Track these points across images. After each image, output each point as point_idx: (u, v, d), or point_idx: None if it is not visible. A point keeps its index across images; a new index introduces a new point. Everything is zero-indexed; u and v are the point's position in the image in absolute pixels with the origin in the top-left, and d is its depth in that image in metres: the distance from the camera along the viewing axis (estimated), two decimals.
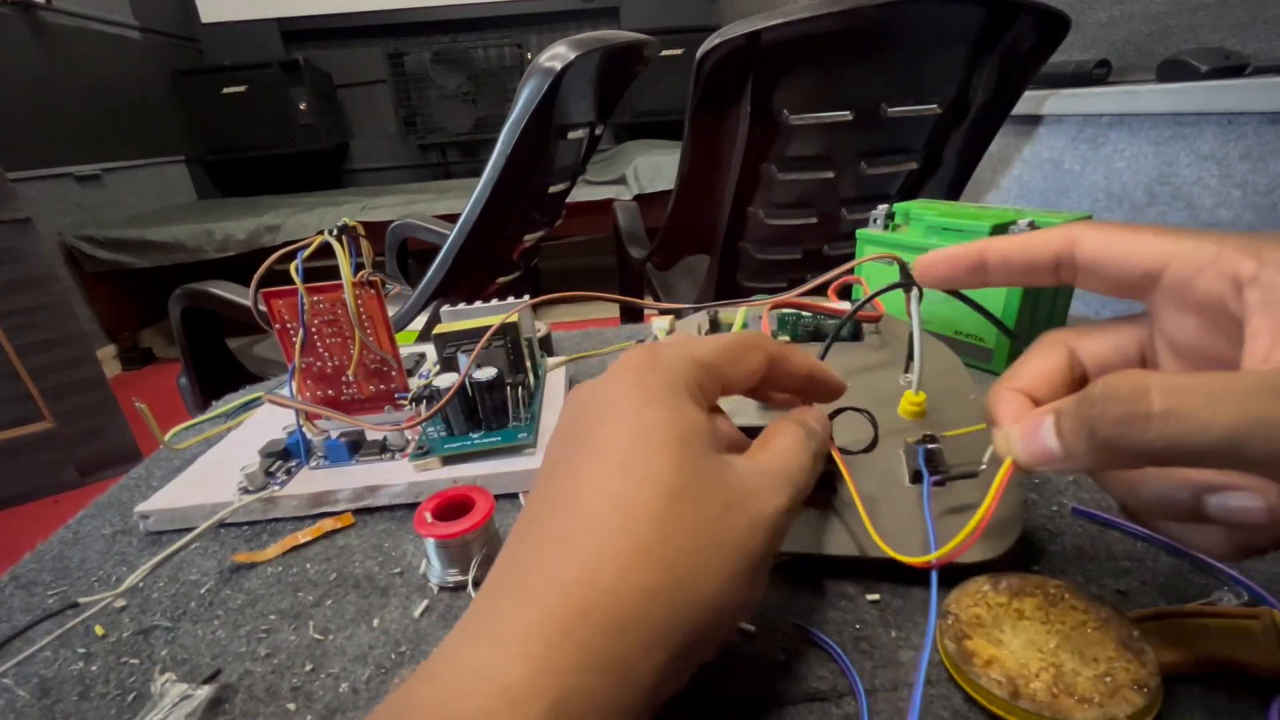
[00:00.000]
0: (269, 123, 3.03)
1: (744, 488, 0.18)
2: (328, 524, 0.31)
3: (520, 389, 0.37)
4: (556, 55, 0.80)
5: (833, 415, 0.26)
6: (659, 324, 0.43)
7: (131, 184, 2.72)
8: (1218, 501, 0.16)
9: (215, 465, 0.36)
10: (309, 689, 0.22)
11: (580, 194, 2.35)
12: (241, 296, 0.95)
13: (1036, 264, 0.21)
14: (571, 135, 0.99)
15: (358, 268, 0.36)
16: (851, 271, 0.35)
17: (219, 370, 1.07)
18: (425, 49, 3.18)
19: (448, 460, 0.33)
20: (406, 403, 0.38)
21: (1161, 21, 1.00)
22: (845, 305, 0.35)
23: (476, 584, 0.26)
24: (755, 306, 0.38)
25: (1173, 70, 0.91)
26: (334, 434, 0.36)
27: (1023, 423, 0.18)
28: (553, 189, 1.08)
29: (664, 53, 2.72)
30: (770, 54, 0.70)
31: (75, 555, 0.31)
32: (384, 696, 0.21)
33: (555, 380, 0.42)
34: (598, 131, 1.12)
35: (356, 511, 0.33)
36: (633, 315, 1.17)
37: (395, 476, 0.33)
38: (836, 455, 0.25)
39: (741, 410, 0.27)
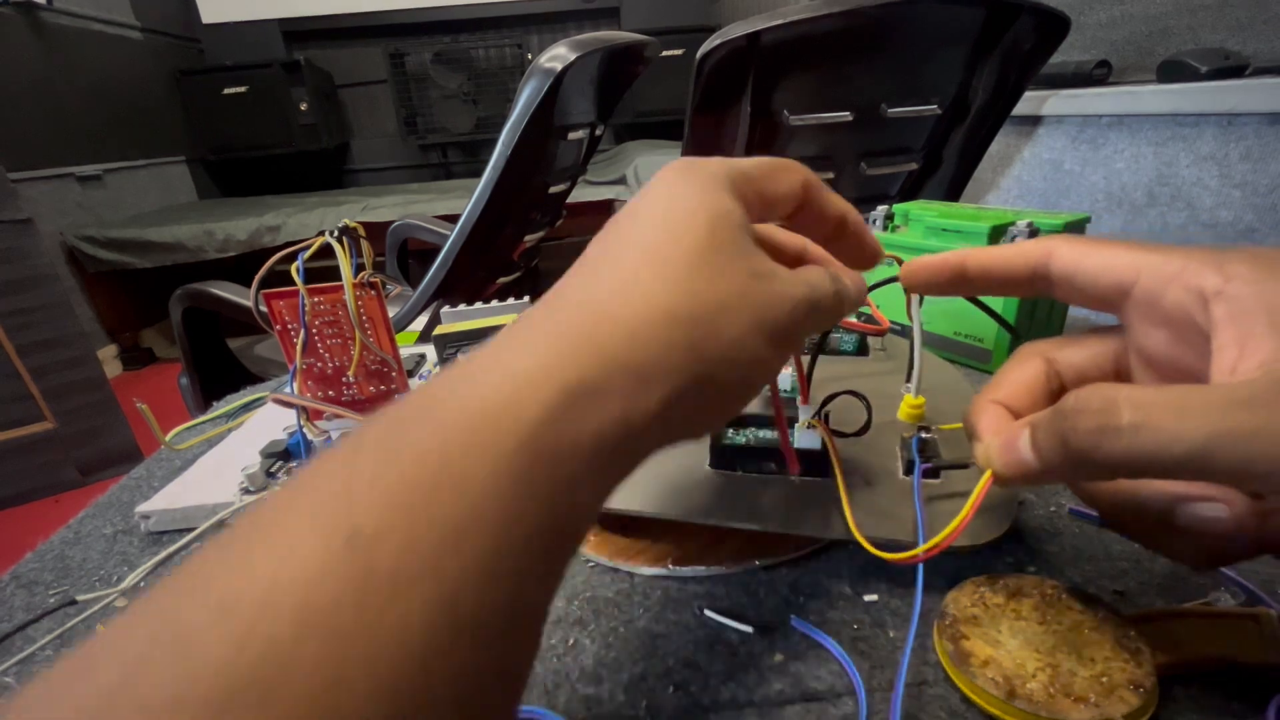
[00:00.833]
0: (270, 123, 3.03)
1: (771, 269, 0.18)
2: None
3: None
4: (557, 56, 0.80)
5: (829, 399, 0.26)
6: None
7: (132, 184, 2.73)
8: (1187, 511, 0.16)
9: (216, 465, 0.36)
10: None
11: (581, 194, 2.35)
12: (242, 297, 0.95)
13: (1013, 275, 0.21)
14: (572, 135, 0.99)
15: (358, 268, 0.36)
16: None
17: (220, 371, 1.07)
18: (426, 49, 3.18)
19: None
20: None
21: (1161, 22, 1.00)
22: (850, 319, 0.35)
23: None
24: None
25: (1173, 71, 0.91)
26: (335, 434, 0.36)
27: (1001, 436, 0.18)
28: (553, 189, 1.08)
29: (664, 53, 2.71)
30: (770, 54, 0.70)
31: (76, 555, 0.31)
32: None
33: None
34: (598, 132, 1.12)
35: None
36: None
37: None
38: (828, 437, 0.25)
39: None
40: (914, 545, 0.21)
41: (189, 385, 1.05)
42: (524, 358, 0.14)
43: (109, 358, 2.41)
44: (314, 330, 0.36)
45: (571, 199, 1.36)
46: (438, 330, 0.36)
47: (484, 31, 3.32)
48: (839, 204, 0.22)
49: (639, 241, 0.17)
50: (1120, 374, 0.21)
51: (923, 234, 0.46)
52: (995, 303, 0.42)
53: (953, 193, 0.92)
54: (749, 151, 0.79)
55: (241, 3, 3.17)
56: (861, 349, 0.39)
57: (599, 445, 0.14)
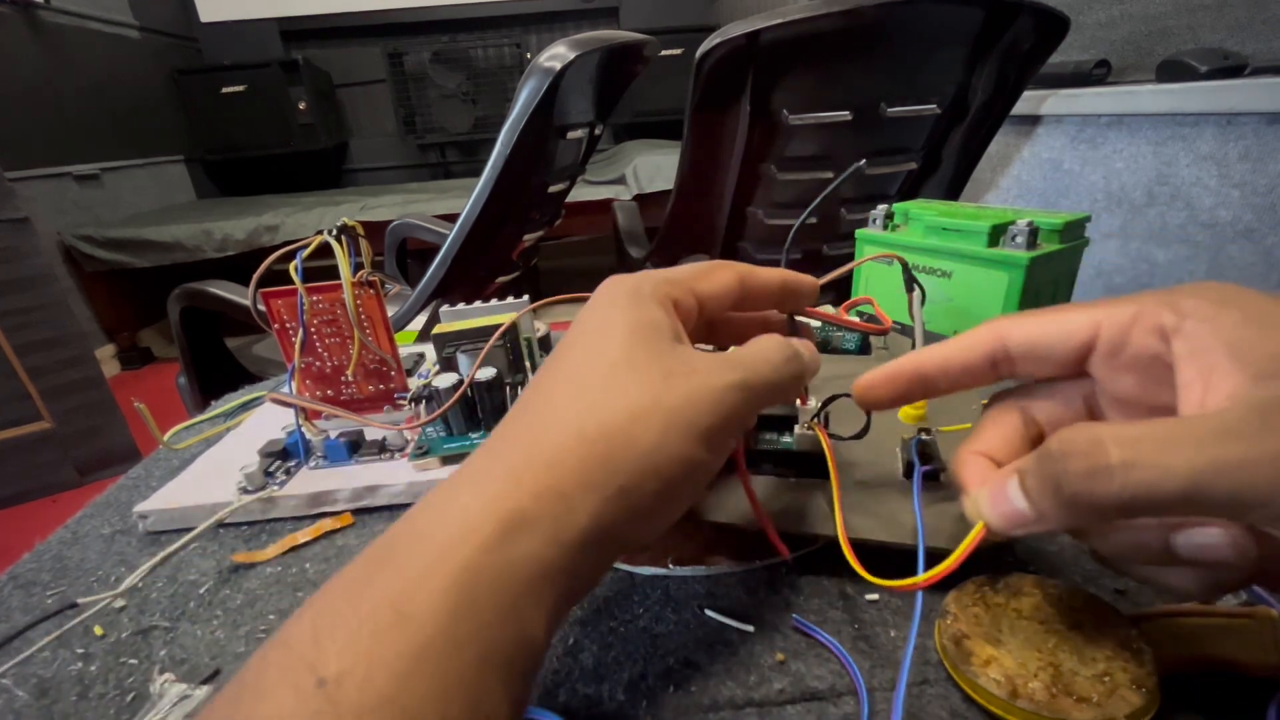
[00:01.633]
0: (268, 122, 3.03)
1: (690, 364, 0.19)
2: (327, 524, 0.31)
3: (519, 389, 0.37)
4: (556, 55, 0.80)
5: (828, 401, 0.26)
6: None
7: (130, 183, 2.72)
8: (1185, 540, 0.16)
9: (214, 465, 0.36)
10: None
11: (580, 194, 2.35)
12: (241, 296, 0.95)
13: (971, 365, 0.21)
14: (571, 135, 0.98)
15: (357, 267, 0.36)
16: (851, 273, 0.36)
17: (218, 370, 1.07)
18: (425, 49, 3.18)
19: (447, 460, 0.33)
20: (406, 403, 0.38)
21: (1160, 22, 1.00)
22: (853, 318, 0.35)
23: None
24: None
25: (1172, 71, 0.91)
26: (333, 434, 0.36)
27: (988, 486, 0.18)
28: (552, 188, 1.08)
29: (663, 52, 2.71)
30: (769, 54, 0.70)
31: (74, 555, 0.31)
32: None
33: None
34: (597, 131, 1.12)
35: (356, 511, 0.33)
36: None
37: (394, 476, 0.33)
38: (825, 441, 0.25)
39: None
40: (914, 547, 0.21)
41: (187, 385, 1.05)
42: (470, 496, 0.16)
43: (107, 357, 2.40)
44: (312, 329, 0.36)
45: (570, 198, 1.36)
46: (437, 329, 0.36)
47: (483, 31, 3.32)
48: (773, 273, 0.24)
49: (563, 370, 0.19)
50: (1094, 416, 0.21)
51: (922, 233, 0.46)
52: (995, 308, 0.42)
53: (952, 192, 0.92)
54: (748, 151, 0.79)
55: (240, 2, 3.16)
56: (864, 348, 0.39)
57: (536, 568, 0.16)
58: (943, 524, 0.24)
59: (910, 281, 0.34)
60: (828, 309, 0.36)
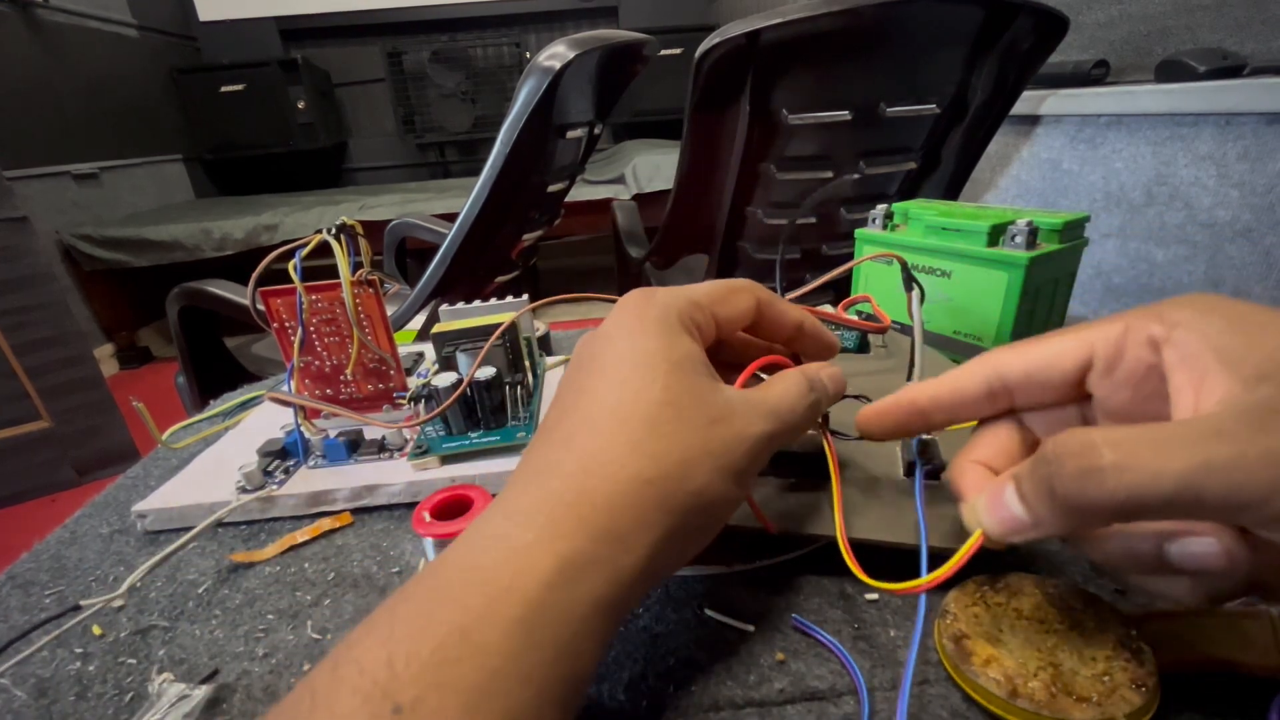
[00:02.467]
0: (267, 121, 3.02)
1: (731, 409, 0.20)
2: (326, 523, 0.31)
3: (519, 388, 0.37)
4: (555, 54, 0.80)
5: None
6: None
7: (129, 182, 2.72)
8: (1178, 550, 0.16)
9: (213, 464, 0.36)
10: None
11: (579, 193, 2.35)
12: (239, 295, 0.95)
13: (968, 396, 0.21)
14: (570, 134, 0.98)
15: (356, 266, 0.36)
16: (851, 272, 0.36)
17: (217, 369, 1.06)
18: (424, 48, 3.17)
19: (446, 460, 0.33)
20: (405, 402, 0.38)
21: (1159, 22, 1.00)
22: (852, 317, 0.35)
23: None
24: None
25: (1171, 71, 0.91)
26: (332, 433, 0.36)
27: (986, 493, 0.18)
28: (551, 188, 1.08)
29: (663, 52, 2.72)
30: (769, 53, 0.70)
31: (73, 555, 0.31)
32: None
33: (554, 380, 0.42)
34: (596, 131, 1.12)
35: (355, 511, 0.33)
36: None
37: (394, 476, 0.33)
38: (827, 441, 0.25)
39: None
40: (915, 546, 0.21)
41: (186, 384, 1.05)
42: (529, 533, 0.17)
43: (105, 356, 2.40)
44: (312, 328, 0.36)
45: (570, 198, 1.36)
46: (436, 328, 0.36)
47: (482, 30, 3.31)
48: (793, 312, 0.24)
49: (604, 400, 0.19)
50: (1086, 423, 0.21)
51: (922, 233, 0.46)
52: (994, 308, 0.42)
53: (951, 192, 0.92)
54: (748, 150, 0.79)
55: (239, 1, 3.16)
56: (862, 346, 0.39)
57: (595, 605, 0.16)
58: (944, 524, 0.24)
59: (909, 280, 0.34)
60: (826, 308, 0.36)
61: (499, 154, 0.85)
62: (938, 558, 0.19)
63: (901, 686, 0.18)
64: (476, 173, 0.89)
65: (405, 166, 3.54)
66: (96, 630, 0.26)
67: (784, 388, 0.22)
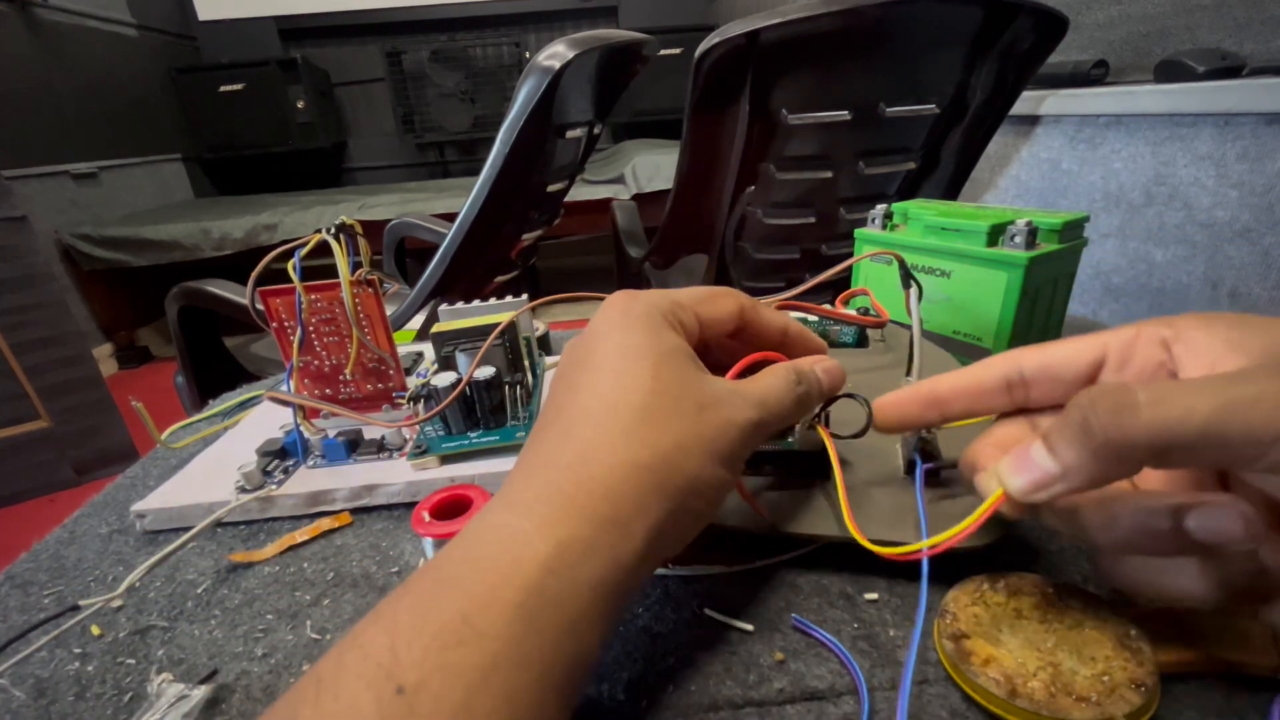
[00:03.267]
0: (266, 121, 3.02)
1: (718, 397, 0.21)
2: (325, 523, 0.31)
3: (518, 388, 0.37)
4: (555, 54, 0.80)
5: (829, 401, 0.26)
6: None
7: (128, 182, 2.71)
8: (1197, 518, 0.16)
9: (212, 464, 0.36)
10: None
11: (579, 193, 2.35)
12: (239, 295, 0.95)
13: (988, 387, 0.22)
14: (570, 134, 0.98)
15: (355, 266, 0.36)
16: (849, 270, 0.36)
17: (216, 369, 1.06)
18: (423, 47, 3.17)
19: (446, 459, 0.33)
20: (404, 401, 0.38)
21: (1159, 22, 1.00)
22: (850, 313, 0.35)
23: None
24: None
25: (1170, 71, 0.91)
26: (331, 433, 0.36)
27: (1010, 455, 0.19)
28: (551, 188, 1.08)
29: (662, 52, 2.72)
30: (769, 53, 0.70)
31: (71, 555, 0.31)
32: None
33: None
34: (596, 130, 1.12)
35: (354, 511, 0.33)
36: None
37: (393, 476, 0.33)
38: (827, 439, 0.25)
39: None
40: (919, 538, 0.21)
41: (185, 384, 1.05)
42: (528, 522, 0.17)
43: (105, 356, 2.40)
44: (311, 328, 0.36)
45: (569, 198, 1.36)
46: (435, 328, 0.36)
47: (481, 30, 3.31)
48: (777, 318, 0.25)
49: (598, 392, 0.20)
50: None
51: (921, 233, 0.46)
52: (994, 307, 0.42)
53: (951, 192, 0.92)
54: (747, 150, 0.79)
55: (238, 0, 3.15)
56: (861, 341, 0.39)
57: (595, 590, 0.17)
58: (946, 521, 0.24)
59: (907, 277, 0.34)
60: (824, 306, 0.36)
61: (498, 154, 0.85)
62: (940, 556, 0.19)
63: (901, 686, 0.18)
64: (476, 172, 0.89)
65: (405, 166, 3.53)
66: (95, 630, 0.26)
67: (771, 379, 0.23)
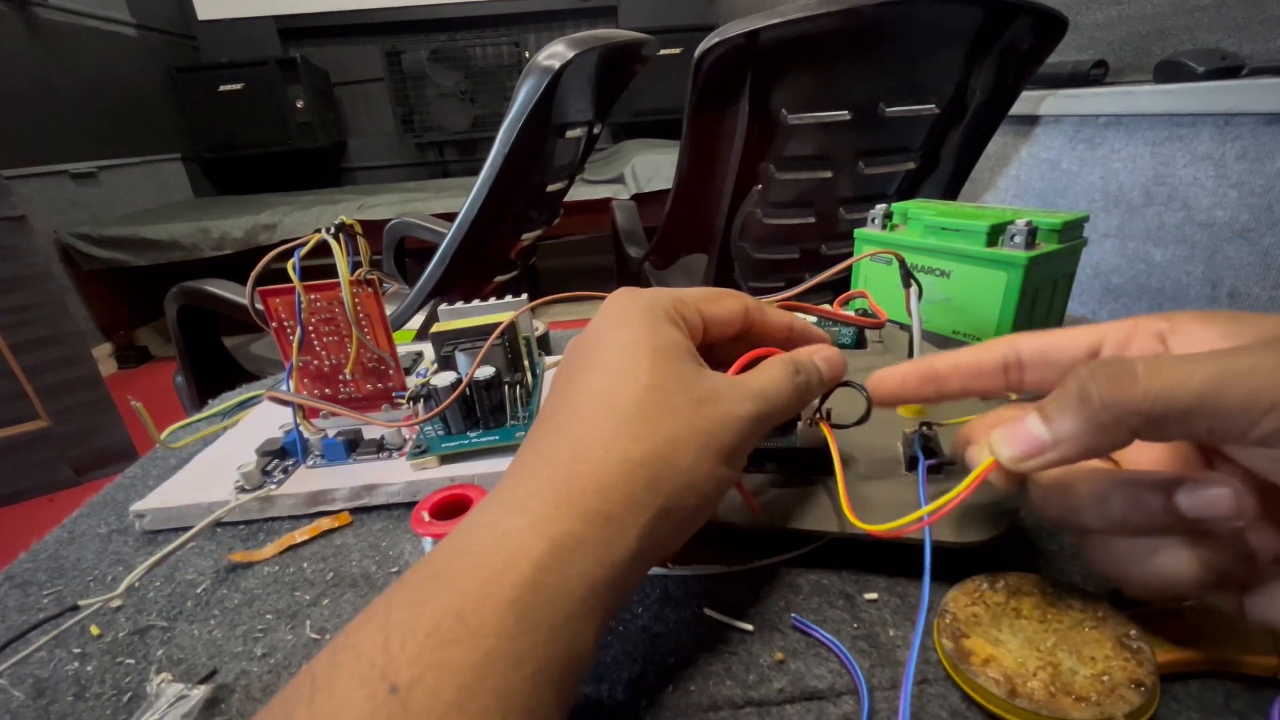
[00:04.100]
0: (266, 121, 3.02)
1: (716, 391, 0.20)
2: (325, 523, 0.31)
3: (518, 388, 0.37)
4: (555, 54, 0.80)
5: (826, 394, 0.26)
6: None
7: (127, 182, 2.71)
8: (1187, 494, 0.17)
9: (212, 464, 0.36)
10: None
11: (578, 193, 2.35)
12: (238, 295, 0.95)
13: (985, 367, 0.22)
14: (570, 134, 0.98)
15: (355, 266, 0.36)
16: (849, 270, 0.36)
17: (215, 369, 1.06)
18: (423, 47, 3.17)
19: (445, 459, 0.33)
20: (404, 401, 0.38)
21: (1158, 22, 1.00)
22: (849, 313, 0.35)
23: None
24: None
25: (1169, 71, 0.91)
26: (331, 433, 0.36)
27: (1002, 427, 0.19)
28: (551, 188, 1.08)
29: (662, 52, 2.72)
30: (768, 53, 0.70)
31: (71, 554, 0.31)
32: None
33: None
34: (596, 130, 1.12)
35: (354, 510, 0.33)
36: None
37: (392, 475, 0.33)
38: (826, 430, 0.25)
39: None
40: (918, 544, 0.21)
41: (184, 383, 1.05)
42: (521, 519, 0.17)
43: (104, 356, 2.39)
44: (310, 328, 0.36)
45: (569, 197, 1.36)
46: (435, 328, 0.36)
47: (481, 29, 3.31)
48: (782, 317, 0.25)
49: (592, 390, 0.20)
50: None
51: (921, 233, 0.46)
52: (993, 307, 0.42)
53: (950, 192, 0.92)
54: (747, 150, 0.79)
55: (237, 0, 3.15)
56: (859, 342, 0.39)
57: (589, 585, 0.17)
58: (947, 517, 0.24)
59: (906, 276, 0.34)
60: (823, 307, 0.36)
61: (498, 153, 0.85)
62: (943, 552, 0.19)
63: (903, 686, 0.18)
64: (475, 172, 0.89)
65: (404, 166, 3.53)
66: (95, 630, 0.26)
67: (770, 371, 0.22)
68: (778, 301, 0.36)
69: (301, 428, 0.35)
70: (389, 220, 1.37)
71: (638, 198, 2.30)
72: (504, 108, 0.83)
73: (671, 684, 0.21)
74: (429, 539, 0.25)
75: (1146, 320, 0.20)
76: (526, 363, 0.38)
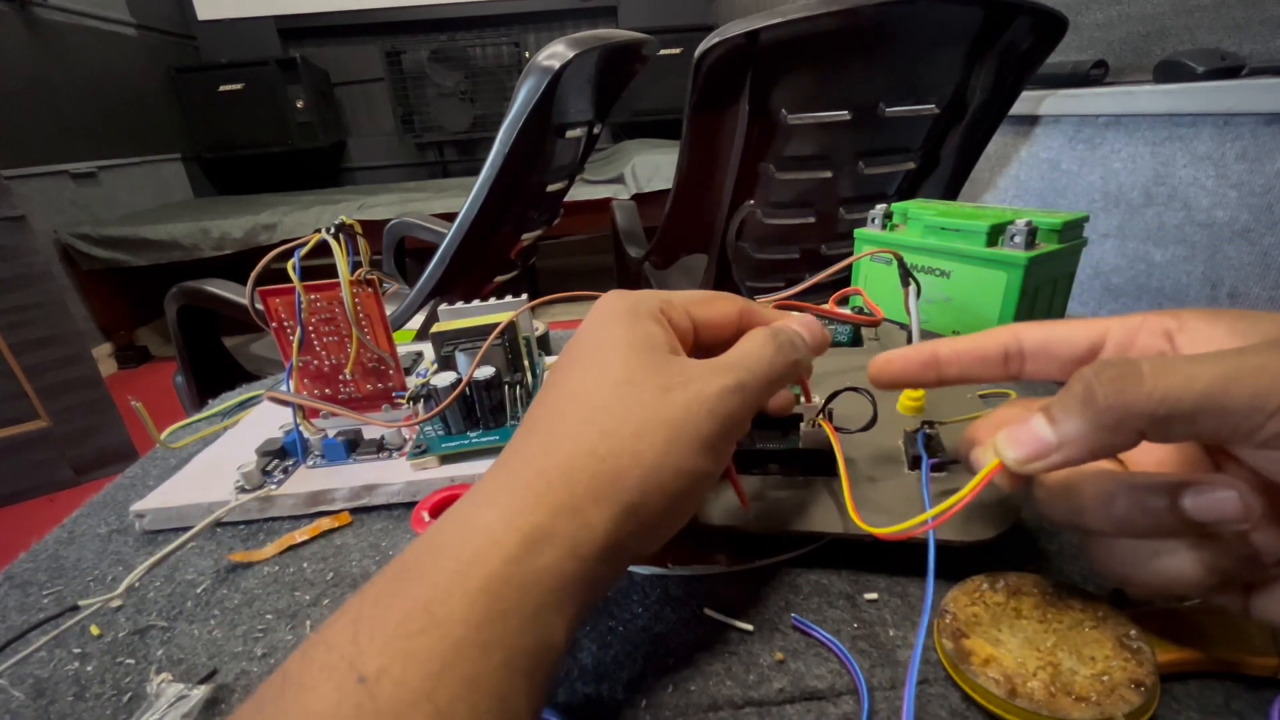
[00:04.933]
0: (266, 121, 3.02)
1: (686, 374, 0.20)
2: (325, 523, 0.31)
3: (518, 388, 0.37)
4: (555, 54, 0.80)
5: (833, 396, 0.26)
6: None
7: (127, 182, 2.71)
8: (1193, 497, 0.16)
9: (211, 464, 0.36)
10: None
11: (578, 193, 2.35)
12: (238, 295, 0.95)
13: (987, 355, 0.22)
14: (569, 134, 0.98)
15: (355, 266, 0.36)
16: (849, 269, 0.36)
17: (215, 369, 1.06)
18: (423, 47, 3.17)
19: (445, 459, 0.33)
20: (404, 401, 0.38)
21: (1158, 22, 1.00)
22: (846, 311, 0.35)
23: None
24: None
25: (1169, 71, 0.91)
26: (331, 433, 0.36)
27: (1007, 429, 0.18)
28: (551, 188, 1.08)
29: (662, 52, 2.72)
30: (768, 53, 0.70)
31: (71, 555, 0.31)
32: None
33: None
34: (596, 130, 1.12)
35: (354, 511, 0.33)
36: None
37: (392, 475, 0.33)
38: (831, 433, 0.25)
39: None
40: (921, 544, 0.21)
41: (184, 383, 1.05)
42: (492, 512, 0.17)
43: (104, 356, 2.39)
44: (310, 328, 0.36)
45: (569, 197, 1.36)
46: (435, 328, 0.36)
47: (481, 29, 3.31)
48: (779, 317, 0.24)
49: (569, 387, 0.20)
50: None
51: (921, 233, 0.46)
52: (993, 307, 0.42)
53: (950, 192, 0.92)
54: (747, 150, 0.79)
55: (237, 0, 3.15)
56: (855, 340, 0.39)
57: (556, 579, 0.17)
58: (951, 520, 0.24)
59: (906, 276, 0.34)
60: (821, 306, 0.36)
61: (498, 153, 0.85)
62: (946, 552, 0.19)
63: (906, 687, 0.18)
64: (475, 172, 0.89)
65: (404, 166, 3.53)
66: (95, 630, 0.26)
67: (746, 342, 0.22)
68: (775, 301, 0.37)
69: (301, 428, 0.35)
70: (389, 220, 1.37)
71: (638, 198, 2.30)
72: (504, 108, 0.83)
73: (671, 684, 0.21)
74: None
75: (1154, 317, 0.19)
76: (526, 363, 0.38)
